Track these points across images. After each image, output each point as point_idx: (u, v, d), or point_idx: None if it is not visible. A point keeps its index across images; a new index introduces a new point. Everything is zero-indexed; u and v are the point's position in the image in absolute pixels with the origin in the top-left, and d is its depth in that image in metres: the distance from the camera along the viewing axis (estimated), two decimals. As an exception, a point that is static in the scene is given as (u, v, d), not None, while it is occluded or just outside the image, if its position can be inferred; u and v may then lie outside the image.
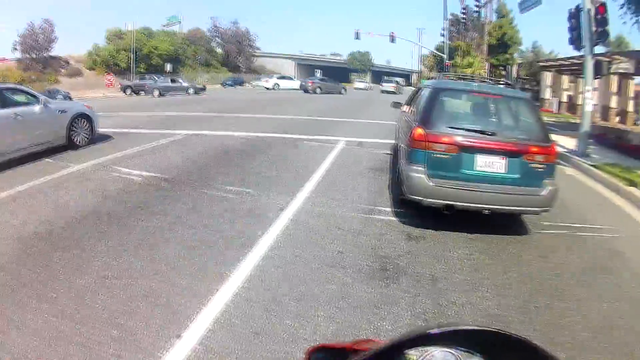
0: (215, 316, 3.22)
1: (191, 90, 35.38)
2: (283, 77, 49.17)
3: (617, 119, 25.30)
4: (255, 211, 5.72)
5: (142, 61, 51.18)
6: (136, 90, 36.25)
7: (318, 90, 38.48)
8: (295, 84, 45.28)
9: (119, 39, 52.76)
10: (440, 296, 3.87)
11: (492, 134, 5.10)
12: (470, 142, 5.03)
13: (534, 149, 5.06)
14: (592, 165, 10.08)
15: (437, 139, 5.03)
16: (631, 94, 25.89)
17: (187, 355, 2.78)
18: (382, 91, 43.45)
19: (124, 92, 36.50)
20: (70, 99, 30.29)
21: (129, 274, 3.90)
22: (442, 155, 5.02)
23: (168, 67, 48.47)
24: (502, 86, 6.60)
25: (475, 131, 5.12)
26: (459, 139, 5.03)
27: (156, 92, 33.00)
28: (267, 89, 44.54)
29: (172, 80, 36.27)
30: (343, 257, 4.48)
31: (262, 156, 9.15)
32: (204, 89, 38.09)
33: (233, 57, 60.96)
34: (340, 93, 40.12)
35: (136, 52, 49.53)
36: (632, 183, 8.43)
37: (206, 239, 4.75)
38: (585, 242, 5.51)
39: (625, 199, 7.88)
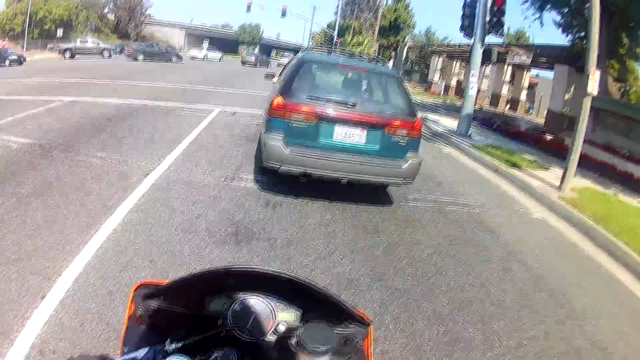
0: (75, 277, 3.48)
1: (174, 59, 41.20)
2: (211, 49, 57.55)
3: (508, 106, 28.26)
4: (120, 176, 5.88)
5: (37, 26, 49.41)
6: (73, 54, 36.57)
7: (259, 64, 46.48)
8: (217, 55, 54.52)
9: (18, 1, 50.22)
10: (292, 260, 4.11)
11: (353, 106, 5.42)
12: (329, 112, 5.33)
13: (396, 123, 5.46)
14: (472, 146, 11.13)
15: (296, 108, 5.28)
16: (525, 84, 29.07)
17: (51, 314, 3.05)
18: (279, 64, 46.70)
19: (63, 55, 36.30)
20: (23, 60, 28.36)
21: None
22: (300, 125, 5.29)
23: (59, 32, 47.25)
24: (371, 62, 7.02)
25: (335, 102, 5.42)
26: (317, 109, 5.31)
27: (141, 56, 37.65)
28: (199, 59, 50.95)
29: (152, 45, 42.51)
30: (199, 222, 4.68)
31: (136, 123, 9.31)
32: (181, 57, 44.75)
33: (124, 24, 60.88)
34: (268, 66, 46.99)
35: (32, 17, 47.84)
36: (513, 164, 9.46)
37: (71, 203, 4.88)
38: (454, 215, 6.04)
39: (503, 178, 8.82)
